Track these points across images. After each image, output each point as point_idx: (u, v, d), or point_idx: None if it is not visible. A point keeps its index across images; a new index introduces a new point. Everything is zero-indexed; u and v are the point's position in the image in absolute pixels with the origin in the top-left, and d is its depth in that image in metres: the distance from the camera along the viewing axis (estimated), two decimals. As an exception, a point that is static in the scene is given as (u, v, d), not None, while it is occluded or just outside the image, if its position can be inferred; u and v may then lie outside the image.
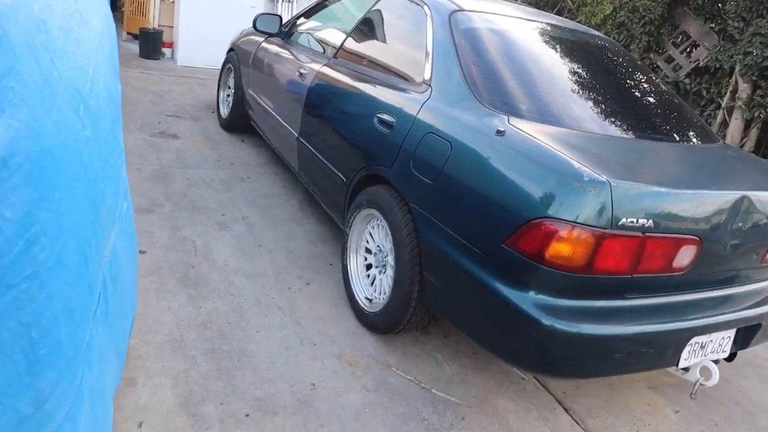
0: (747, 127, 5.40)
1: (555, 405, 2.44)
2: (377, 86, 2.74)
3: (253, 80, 4.16)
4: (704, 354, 2.21)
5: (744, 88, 5.29)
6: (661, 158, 2.28)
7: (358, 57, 3.07)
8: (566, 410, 2.41)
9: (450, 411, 2.28)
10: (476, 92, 2.29)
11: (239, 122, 4.57)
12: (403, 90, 2.59)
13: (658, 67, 6.29)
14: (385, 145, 2.51)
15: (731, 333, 2.26)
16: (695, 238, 1.98)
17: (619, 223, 1.80)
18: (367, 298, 2.65)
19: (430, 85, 2.46)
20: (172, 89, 5.68)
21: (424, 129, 2.33)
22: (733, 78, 5.43)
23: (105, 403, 1.24)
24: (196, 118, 4.98)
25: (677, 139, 2.59)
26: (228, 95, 4.77)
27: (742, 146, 5.38)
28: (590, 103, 2.47)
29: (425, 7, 2.74)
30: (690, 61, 5.95)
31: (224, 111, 4.81)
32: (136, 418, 1.96)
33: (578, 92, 2.50)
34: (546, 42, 2.82)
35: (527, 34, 2.79)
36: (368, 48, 3.10)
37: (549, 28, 2.96)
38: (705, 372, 2.23)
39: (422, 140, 2.31)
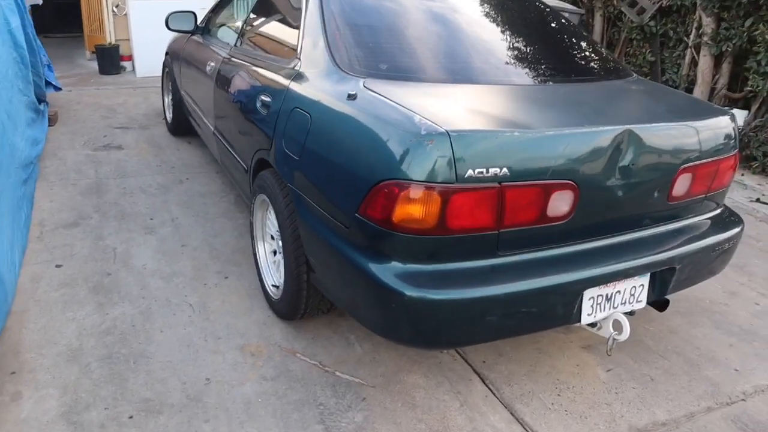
0: (717, 63, 5.11)
1: (472, 376, 2.32)
2: (261, 68, 2.65)
3: (183, 81, 4.11)
4: (613, 307, 2.07)
5: (708, 23, 5.00)
6: (532, 101, 2.13)
7: (251, 42, 2.98)
8: (483, 380, 2.29)
9: (351, 393, 2.18)
10: (337, 58, 2.18)
11: (183, 125, 4.53)
12: (278, 68, 2.50)
13: (621, 13, 6.01)
14: (265, 127, 2.42)
15: (644, 281, 2.11)
16: (569, 182, 1.84)
17: (466, 176, 1.68)
18: (274, 285, 2.57)
19: (299, 58, 2.36)
20: (127, 101, 5.67)
21: (292, 104, 2.23)
22: (697, 14, 5.14)
23: None
24: (145, 127, 4.96)
25: (566, 79, 2.41)
26: (171, 99, 4.73)
27: (714, 84, 5.10)
28: (466, 54, 2.32)
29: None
30: (653, 3, 5.66)
31: (169, 115, 4.78)
32: (13, 433, 1.93)
33: (455, 44, 2.35)
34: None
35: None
36: (257, 32, 3.01)
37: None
38: (617, 326, 2.09)
39: (290, 116, 2.22)
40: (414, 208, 1.70)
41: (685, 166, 2.09)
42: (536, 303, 1.86)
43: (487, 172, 1.70)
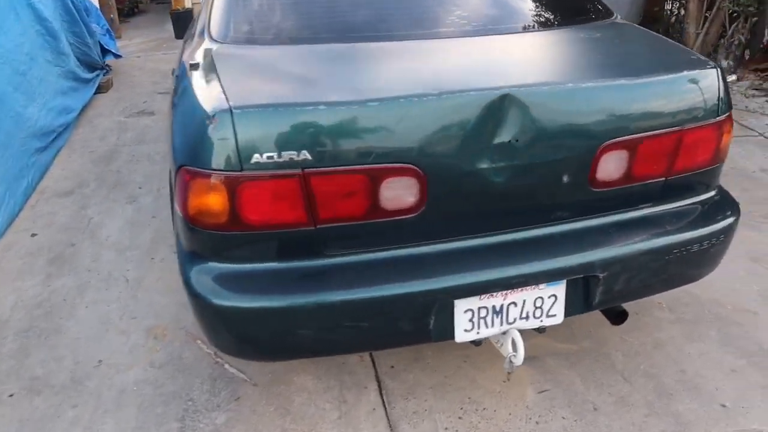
0: None
1: (370, 383, 2.03)
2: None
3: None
4: (507, 322, 1.67)
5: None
6: (399, 61, 1.71)
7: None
8: (380, 389, 2.00)
9: (228, 390, 2.02)
10: (212, 24, 1.93)
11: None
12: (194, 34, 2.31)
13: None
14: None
15: (555, 291, 1.66)
16: (408, 166, 1.46)
17: (252, 161, 1.39)
18: (195, 266, 2.45)
19: (197, 24, 2.15)
20: (185, 66, 5.80)
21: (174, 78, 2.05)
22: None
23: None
24: (188, 92, 5.03)
25: (472, 31, 1.90)
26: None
27: None
28: (352, 7, 1.93)
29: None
30: None
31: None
32: None
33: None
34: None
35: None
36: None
37: None
38: (514, 345, 1.69)
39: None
40: (205, 200, 1.46)
41: (612, 140, 1.58)
42: (365, 316, 1.53)
43: (280, 156, 1.39)
